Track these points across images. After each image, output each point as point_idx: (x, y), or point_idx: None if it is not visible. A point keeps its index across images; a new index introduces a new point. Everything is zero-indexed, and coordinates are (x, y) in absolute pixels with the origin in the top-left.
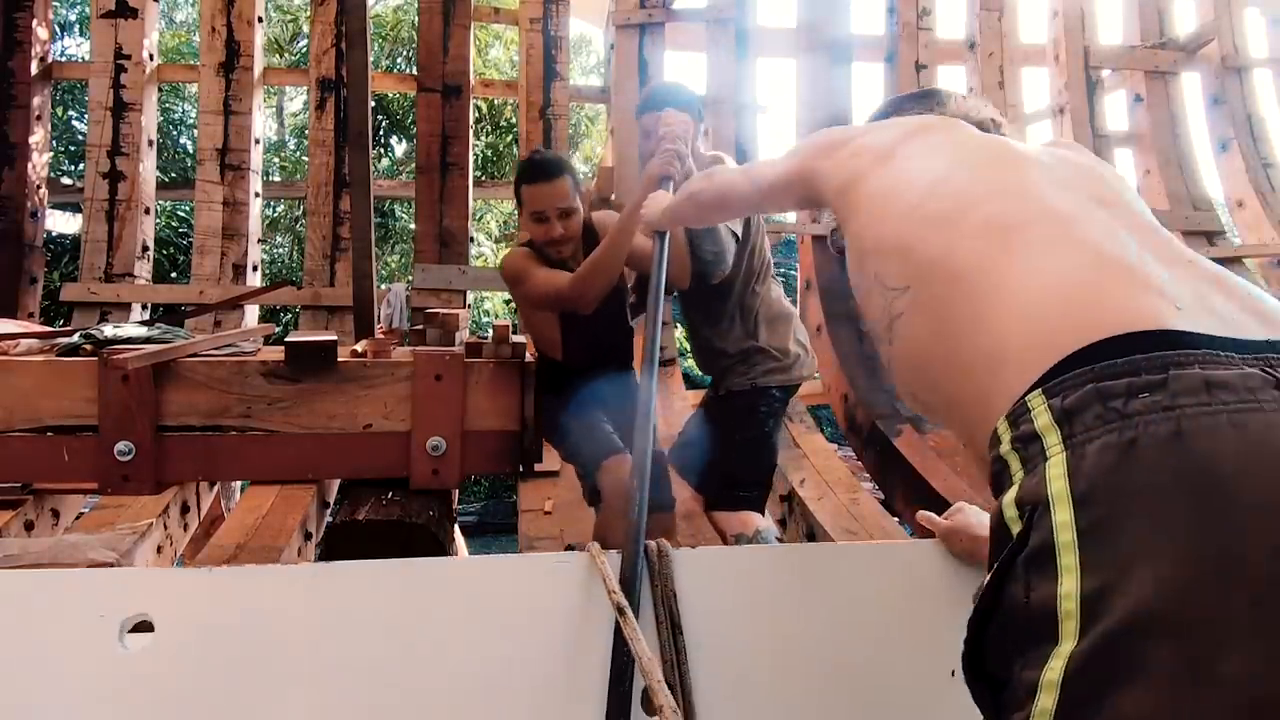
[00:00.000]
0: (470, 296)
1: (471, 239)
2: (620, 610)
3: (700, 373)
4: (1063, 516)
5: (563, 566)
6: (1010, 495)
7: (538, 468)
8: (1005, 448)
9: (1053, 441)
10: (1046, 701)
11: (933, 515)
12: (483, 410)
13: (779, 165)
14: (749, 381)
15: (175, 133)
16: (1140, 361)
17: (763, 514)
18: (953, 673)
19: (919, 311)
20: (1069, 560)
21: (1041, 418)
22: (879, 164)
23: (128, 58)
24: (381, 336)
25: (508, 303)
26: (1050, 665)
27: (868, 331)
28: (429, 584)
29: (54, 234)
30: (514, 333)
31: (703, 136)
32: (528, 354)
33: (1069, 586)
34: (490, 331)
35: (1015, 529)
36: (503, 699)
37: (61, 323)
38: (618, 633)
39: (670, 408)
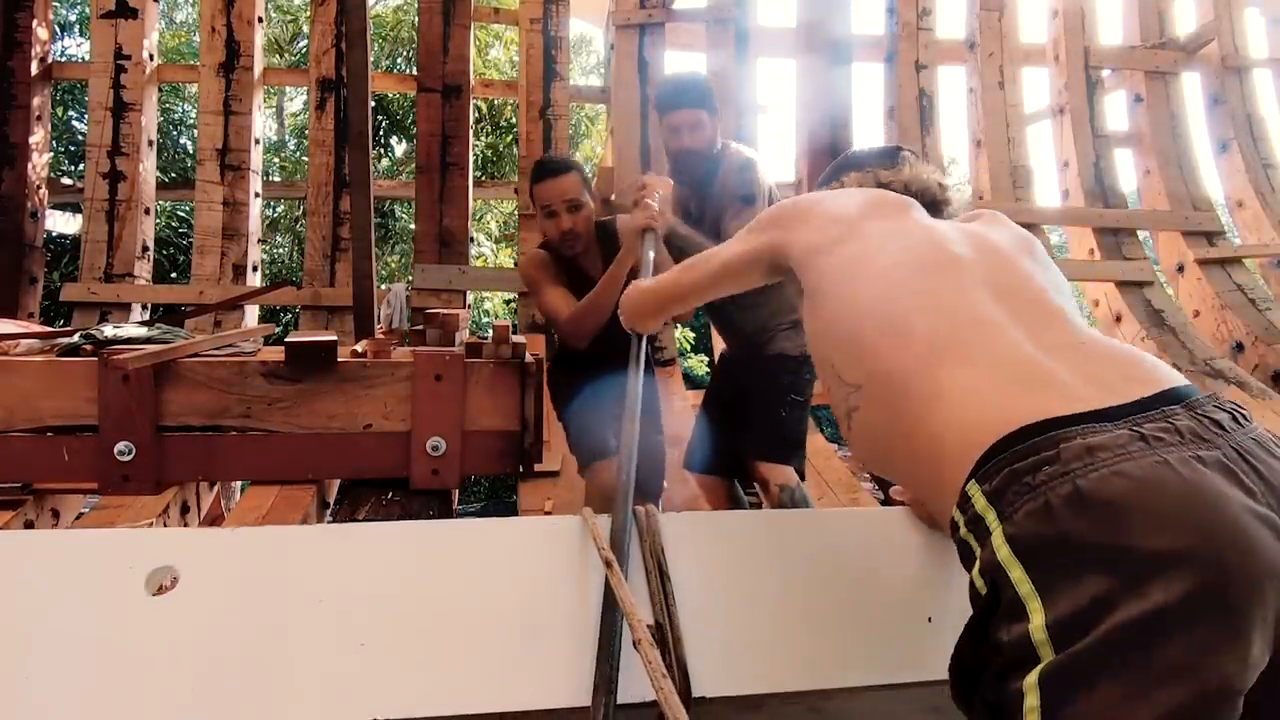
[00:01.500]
0: (470, 296)
1: (471, 239)
2: (607, 563)
3: (728, 350)
4: (1017, 574)
5: (559, 527)
6: (975, 569)
7: (538, 468)
8: (963, 531)
9: (991, 519)
10: (1032, 700)
11: (902, 488)
12: (483, 410)
13: (744, 242)
14: (799, 348)
15: (175, 133)
16: (1038, 443)
17: (801, 476)
18: (929, 619)
19: (871, 409)
20: (1034, 605)
21: (979, 501)
22: (839, 244)
23: (128, 58)
24: (381, 336)
25: (508, 303)
26: (1030, 674)
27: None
28: (435, 542)
29: (54, 234)
30: (514, 333)
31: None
32: (528, 354)
33: (1037, 622)
34: (490, 331)
35: (985, 593)
36: (503, 640)
37: (61, 323)
38: (608, 582)
39: (670, 408)
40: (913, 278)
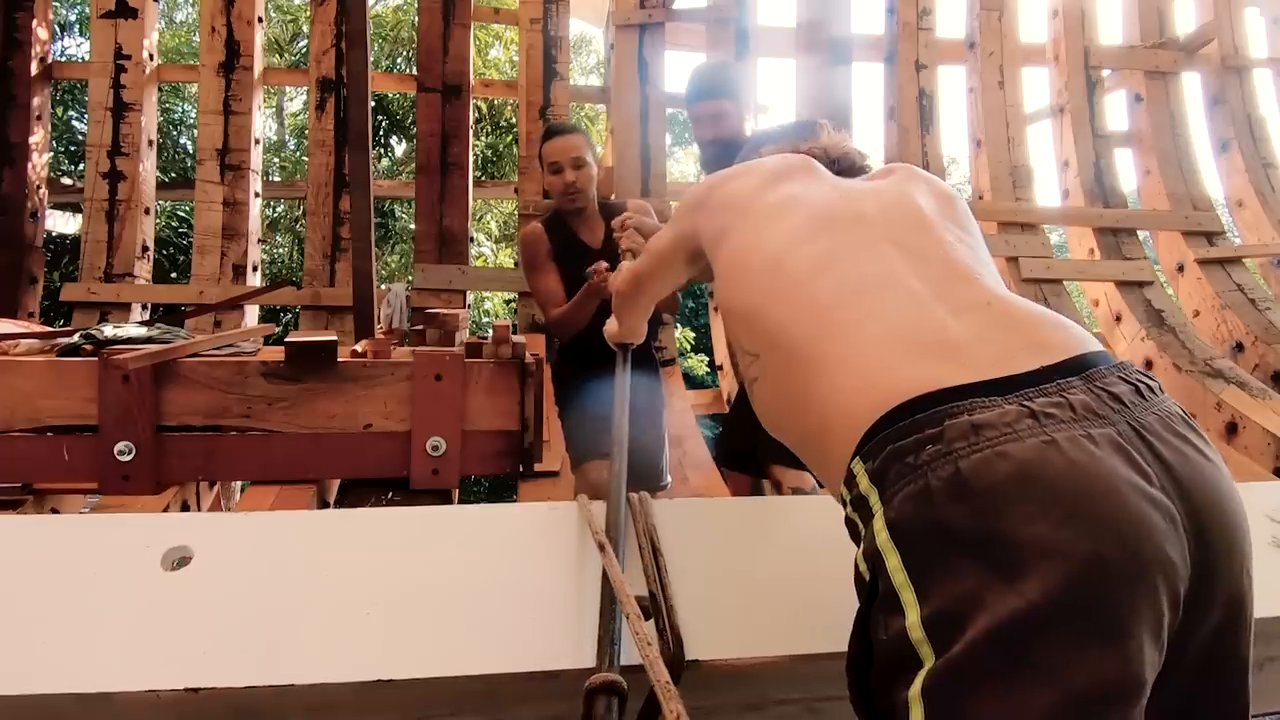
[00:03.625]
0: (470, 296)
1: (471, 239)
2: (600, 546)
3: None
4: (893, 562)
5: (556, 513)
6: (859, 552)
7: (538, 468)
8: (850, 510)
9: (874, 500)
10: (918, 713)
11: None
12: (483, 410)
13: (667, 233)
14: None
15: (175, 133)
16: (921, 420)
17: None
18: None
19: (767, 379)
20: (908, 596)
21: (863, 481)
22: (740, 219)
23: (128, 58)
24: (381, 336)
25: (508, 303)
26: (914, 684)
27: None
28: (437, 525)
29: (54, 234)
30: (514, 333)
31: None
32: (528, 354)
33: (913, 618)
34: (490, 331)
35: (868, 579)
36: (506, 611)
37: (61, 323)
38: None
39: (670, 407)
40: (809, 239)
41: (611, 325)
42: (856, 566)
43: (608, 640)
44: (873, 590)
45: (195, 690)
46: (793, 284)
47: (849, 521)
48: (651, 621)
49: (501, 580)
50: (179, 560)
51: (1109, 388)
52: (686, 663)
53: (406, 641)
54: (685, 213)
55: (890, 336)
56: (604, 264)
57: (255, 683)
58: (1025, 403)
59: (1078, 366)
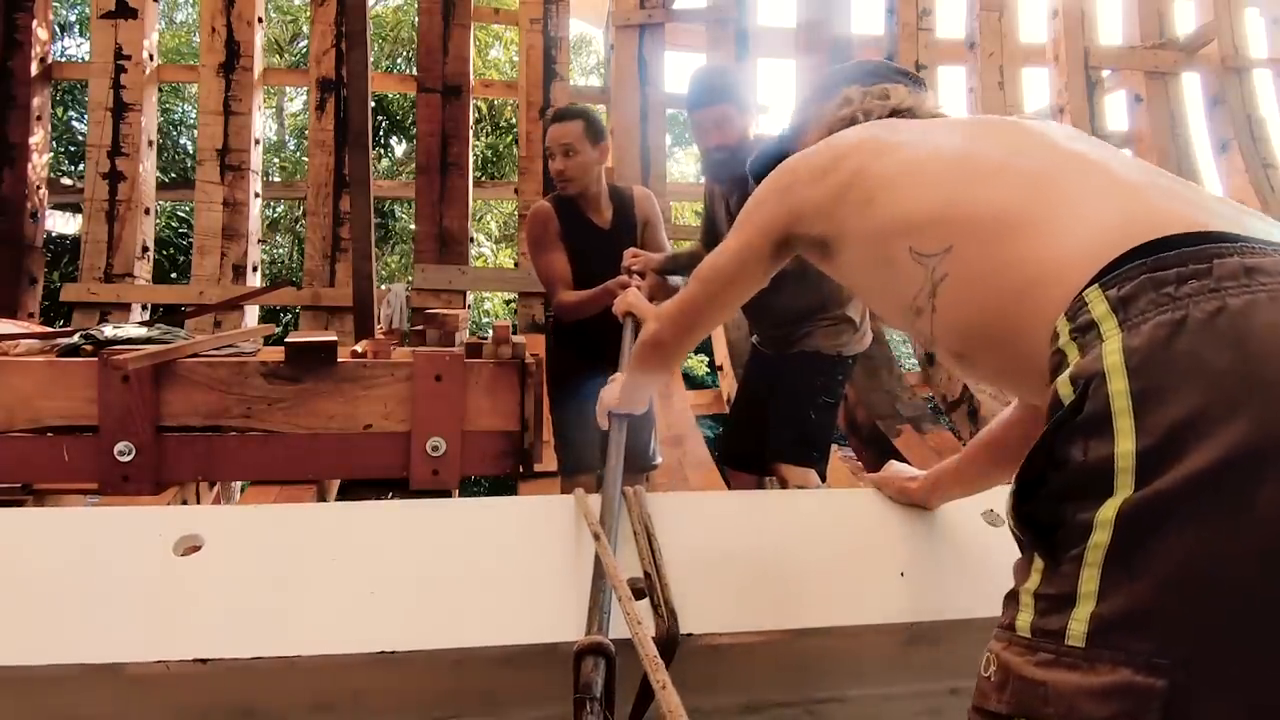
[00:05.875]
0: (470, 296)
1: (471, 239)
2: (595, 535)
3: (759, 340)
4: (1118, 385)
5: (553, 506)
6: (1065, 374)
7: (537, 468)
8: (1064, 340)
9: (1109, 326)
10: (1101, 537)
11: (870, 475)
12: (482, 410)
13: (735, 240)
14: (835, 348)
15: (175, 133)
16: (1187, 254)
17: (823, 479)
18: (901, 574)
19: (965, 266)
20: (1125, 424)
21: (1099, 307)
22: (879, 150)
23: (128, 58)
24: (381, 337)
25: (508, 303)
26: (1106, 505)
27: (886, 319)
28: (439, 515)
29: (54, 234)
30: (514, 333)
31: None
32: (528, 354)
33: (1125, 447)
34: (490, 331)
35: (1068, 401)
36: (504, 591)
37: (61, 323)
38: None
39: (670, 408)
40: (986, 140)
41: (610, 394)
42: (1056, 391)
43: (597, 611)
44: (1074, 410)
45: (204, 661)
46: (991, 167)
47: (1055, 353)
48: (646, 600)
49: (499, 565)
50: (190, 546)
51: None
52: (681, 636)
53: (407, 618)
54: (756, 206)
55: (1127, 187)
56: (637, 261)
57: (262, 653)
58: None
59: None
